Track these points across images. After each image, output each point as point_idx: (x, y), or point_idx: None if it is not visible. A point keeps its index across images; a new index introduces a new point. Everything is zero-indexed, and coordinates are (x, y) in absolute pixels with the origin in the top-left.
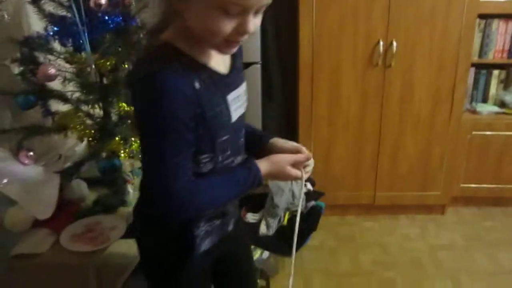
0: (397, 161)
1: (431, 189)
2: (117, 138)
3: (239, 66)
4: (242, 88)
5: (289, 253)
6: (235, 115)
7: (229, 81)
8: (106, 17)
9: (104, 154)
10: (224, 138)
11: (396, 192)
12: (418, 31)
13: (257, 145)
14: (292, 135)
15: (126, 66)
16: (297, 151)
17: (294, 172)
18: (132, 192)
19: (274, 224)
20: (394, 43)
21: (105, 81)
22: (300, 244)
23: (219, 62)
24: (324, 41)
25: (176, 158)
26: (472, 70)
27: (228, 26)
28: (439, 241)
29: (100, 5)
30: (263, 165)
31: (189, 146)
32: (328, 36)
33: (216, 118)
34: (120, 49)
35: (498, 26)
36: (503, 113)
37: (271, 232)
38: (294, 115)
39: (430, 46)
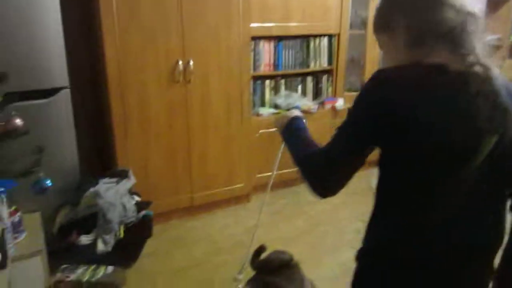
0: (206, 162)
1: (236, 183)
2: None
3: None
4: None
5: (130, 263)
6: None
7: None
8: None
9: None
10: None
11: (210, 190)
12: (208, 51)
13: None
14: (110, 151)
15: None
16: None
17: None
18: None
19: (111, 239)
20: (191, 62)
21: None
22: (139, 252)
23: None
24: (130, 61)
25: None
26: (251, 81)
27: None
28: (251, 222)
29: None
30: None
31: None
32: (134, 56)
33: None
34: None
35: (264, 45)
36: (278, 113)
37: (110, 247)
38: (109, 131)
39: (219, 64)
